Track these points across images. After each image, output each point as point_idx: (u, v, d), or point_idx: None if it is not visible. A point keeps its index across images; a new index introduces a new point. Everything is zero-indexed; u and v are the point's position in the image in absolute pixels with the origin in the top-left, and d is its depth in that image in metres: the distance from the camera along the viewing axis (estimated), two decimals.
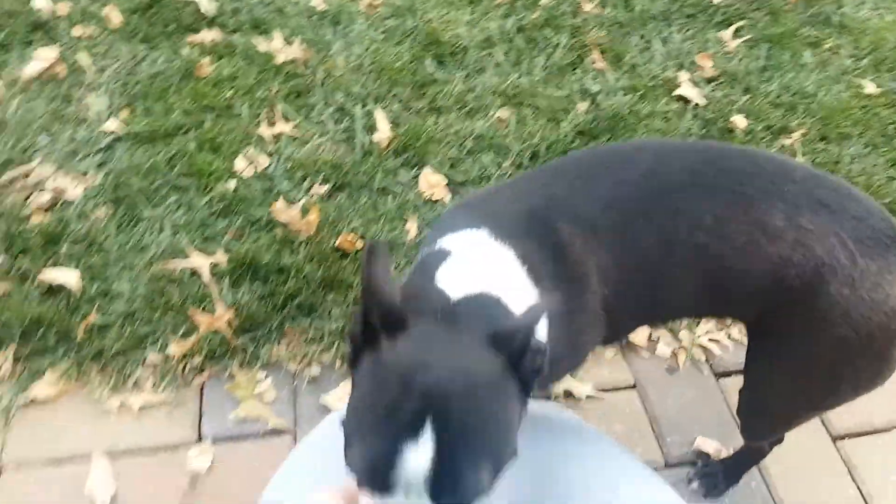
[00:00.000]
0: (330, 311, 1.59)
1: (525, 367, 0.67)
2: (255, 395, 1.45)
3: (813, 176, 0.92)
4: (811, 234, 0.86)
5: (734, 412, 1.53)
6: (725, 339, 1.64)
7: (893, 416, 1.57)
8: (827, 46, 2.43)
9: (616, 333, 1.12)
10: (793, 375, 0.99)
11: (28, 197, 1.69)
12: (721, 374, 1.59)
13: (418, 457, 0.60)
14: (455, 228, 0.88)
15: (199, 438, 1.40)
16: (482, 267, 0.82)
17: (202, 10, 2.18)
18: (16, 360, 1.44)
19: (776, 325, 0.95)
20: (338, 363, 1.53)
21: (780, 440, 1.31)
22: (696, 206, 0.90)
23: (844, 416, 1.55)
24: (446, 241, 0.87)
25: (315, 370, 1.51)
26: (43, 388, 1.41)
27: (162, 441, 1.39)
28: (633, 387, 1.56)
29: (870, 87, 2.28)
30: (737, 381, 1.56)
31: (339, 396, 1.47)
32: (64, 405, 1.41)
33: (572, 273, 0.89)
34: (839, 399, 1.01)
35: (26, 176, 1.73)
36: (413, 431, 0.60)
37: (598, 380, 1.55)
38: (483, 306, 0.75)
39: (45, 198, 1.69)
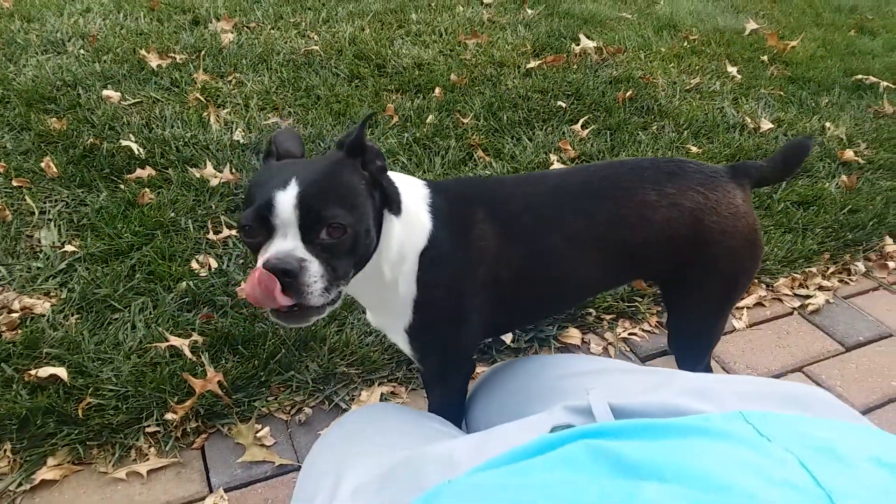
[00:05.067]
0: (307, 366, 1.76)
1: (367, 161, 1.04)
2: (257, 442, 1.56)
3: (654, 161, 1.29)
4: (676, 194, 1.22)
5: None
6: (641, 332, 1.98)
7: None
8: (654, 127, 3.08)
9: (510, 320, 1.41)
10: (711, 294, 1.32)
11: None
12: (646, 358, 1.91)
13: (287, 198, 0.91)
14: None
15: (211, 490, 1.47)
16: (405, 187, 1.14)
17: (134, 153, 2.44)
18: (14, 452, 1.47)
19: (684, 267, 1.27)
20: (325, 405, 1.68)
21: None
22: (592, 208, 1.22)
23: None
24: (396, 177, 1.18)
25: (307, 412, 1.65)
26: (46, 473, 1.44)
27: (175, 497, 1.45)
28: None
29: (694, 149, 2.91)
30: (659, 362, 1.88)
31: None
32: (70, 484, 1.45)
33: (470, 238, 1.15)
34: (741, 293, 1.36)
35: None
36: (283, 186, 0.92)
37: None
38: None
39: (13, 316, 1.77)
